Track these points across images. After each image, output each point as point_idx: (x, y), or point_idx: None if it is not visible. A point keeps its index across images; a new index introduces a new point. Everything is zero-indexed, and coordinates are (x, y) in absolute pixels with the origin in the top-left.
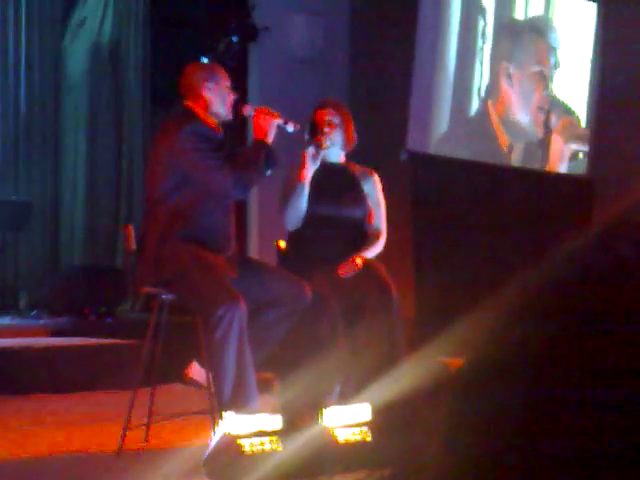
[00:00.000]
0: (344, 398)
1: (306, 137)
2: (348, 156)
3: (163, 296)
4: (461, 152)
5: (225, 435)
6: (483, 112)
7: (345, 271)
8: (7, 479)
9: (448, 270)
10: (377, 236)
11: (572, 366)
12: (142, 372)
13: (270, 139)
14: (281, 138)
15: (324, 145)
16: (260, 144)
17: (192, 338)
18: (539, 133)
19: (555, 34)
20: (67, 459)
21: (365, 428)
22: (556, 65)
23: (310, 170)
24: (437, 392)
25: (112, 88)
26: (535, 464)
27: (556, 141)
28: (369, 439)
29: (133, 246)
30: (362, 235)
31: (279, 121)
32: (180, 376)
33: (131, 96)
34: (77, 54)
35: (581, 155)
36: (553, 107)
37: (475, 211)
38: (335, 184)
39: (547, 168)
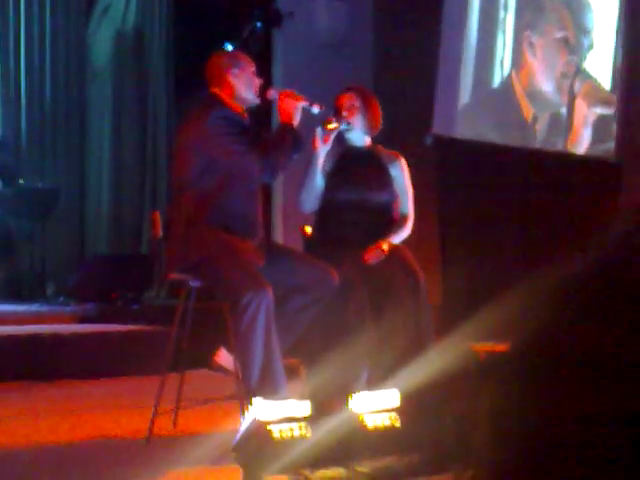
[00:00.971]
0: (372, 384)
1: None
2: (374, 140)
3: (190, 282)
4: (483, 125)
5: (254, 421)
6: (507, 84)
7: (371, 257)
8: (36, 465)
9: (475, 255)
10: (404, 221)
11: (625, 354)
12: (170, 358)
13: (296, 122)
14: (308, 120)
15: (329, 126)
16: (286, 127)
17: (219, 324)
18: (564, 101)
19: (591, 14)
20: (96, 445)
21: (394, 414)
22: (590, 47)
23: (321, 151)
24: (466, 378)
25: (136, 75)
26: (592, 456)
27: (580, 106)
28: (398, 425)
29: (160, 233)
30: (389, 220)
31: (304, 103)
32: (208, 362)
33: (155, 82)
34: (101, 42)
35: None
36: (577, 73)
37: (502, 195)
38: (361, 168)
39: (571, 135)
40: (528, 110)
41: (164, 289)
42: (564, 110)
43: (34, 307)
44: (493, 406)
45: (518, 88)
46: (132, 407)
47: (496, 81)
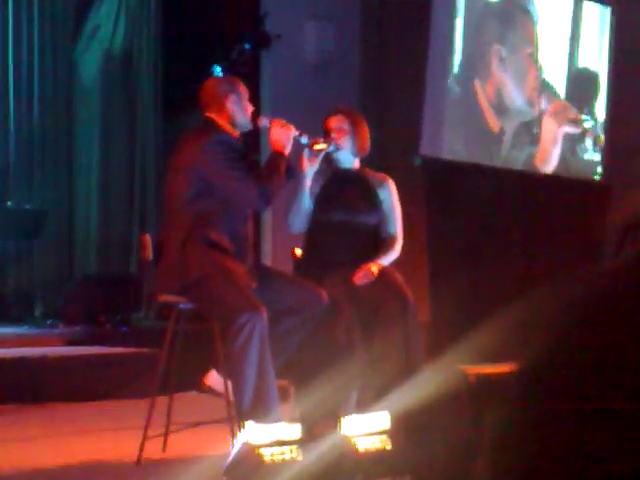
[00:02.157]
0: (362, 406)
1: None
2: (363, 162)
3: (181, 305)
4: (453, 139)
5: (245, 444)
6: (469, 95)
7: (361, 278)
8: None
9: (463, 276)
10: (393, 243)
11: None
12: (159, 381)
13: (287, 151)
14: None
15: (315, 147)
16: (279, 156)
17: (208, 346)
18: (531, 115)
19: (533, 7)
20: (85, 469)
21: (384, 436)
22: (538, 43)
23: (308, 172)
24: (457, 400)
25: (125, 96)
26: None
27: (548, 124)
28: (388, 447)
29: (150, 255)
30: (377, 242)
31: (295, 133)
32: (197, 384)
33: (144, 103)
34: (90, 62)
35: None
36: (543, 90)
37: (490, 215)
38: (349, 190)
39: (539, 152)
40: (494, 123)
41: (152, 311)
42: (529, 124)
43: (22, 329)
44: (496, 431)
45: (483, 100)
46: (121, 430)
47: (457, 92)
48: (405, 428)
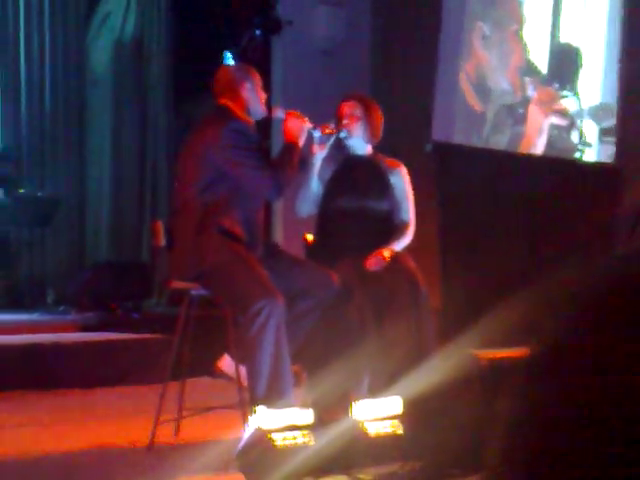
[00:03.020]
0: (374, 391)
1: None
2: (375, 148)
3: (192, 292)
4: (457, 120)
5: (257, 429)
6: (453, 76)
7: (373, 264)
8: (37, 474)
9: (475, 261)
10: (405, 228)
11: None
12: (171, 366)
13: (301, 142)
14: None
15: (323, 131)
16: (292, 147)
17: (220, 332)
18: (515, 99)
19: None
20: (97, 454)
21: (396, 421)
22: (522, 20)
23: (317, 157)
24: (468, 385)
25: (136, 83)
26: (612, 467)
27: (535, 113)
28: (400, 432)
29: (162, 242)
30: (389, 228)
31: (309, 126)
32: (209, 369)
33: (155, 90)
34: (101, 49)
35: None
36: (528, 71)
37: (502, 200)
38: (361, 177)
39: (524, 140)
40: (477, 104)
41: (164, 297)
42: (512, 108)
43: (34, 316)
44: (507, 416)
45: (465, 82)
46: (133, 416)
47: (441, 72)
48: (417, 413)
